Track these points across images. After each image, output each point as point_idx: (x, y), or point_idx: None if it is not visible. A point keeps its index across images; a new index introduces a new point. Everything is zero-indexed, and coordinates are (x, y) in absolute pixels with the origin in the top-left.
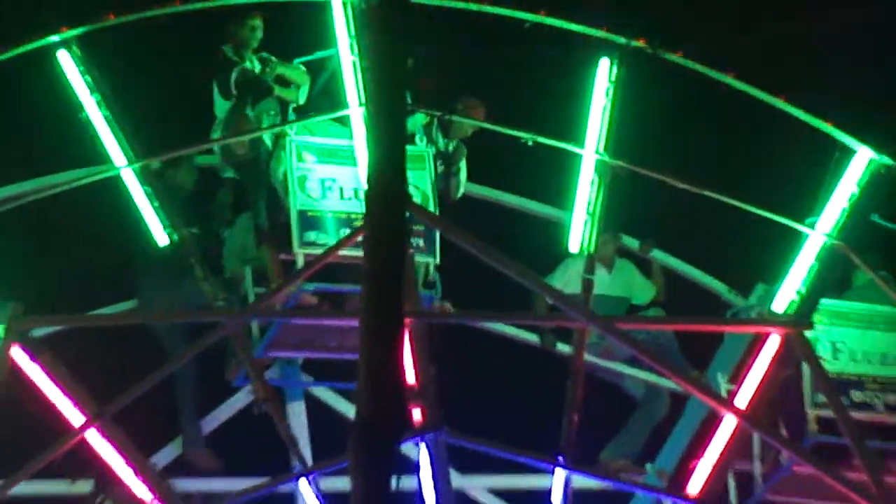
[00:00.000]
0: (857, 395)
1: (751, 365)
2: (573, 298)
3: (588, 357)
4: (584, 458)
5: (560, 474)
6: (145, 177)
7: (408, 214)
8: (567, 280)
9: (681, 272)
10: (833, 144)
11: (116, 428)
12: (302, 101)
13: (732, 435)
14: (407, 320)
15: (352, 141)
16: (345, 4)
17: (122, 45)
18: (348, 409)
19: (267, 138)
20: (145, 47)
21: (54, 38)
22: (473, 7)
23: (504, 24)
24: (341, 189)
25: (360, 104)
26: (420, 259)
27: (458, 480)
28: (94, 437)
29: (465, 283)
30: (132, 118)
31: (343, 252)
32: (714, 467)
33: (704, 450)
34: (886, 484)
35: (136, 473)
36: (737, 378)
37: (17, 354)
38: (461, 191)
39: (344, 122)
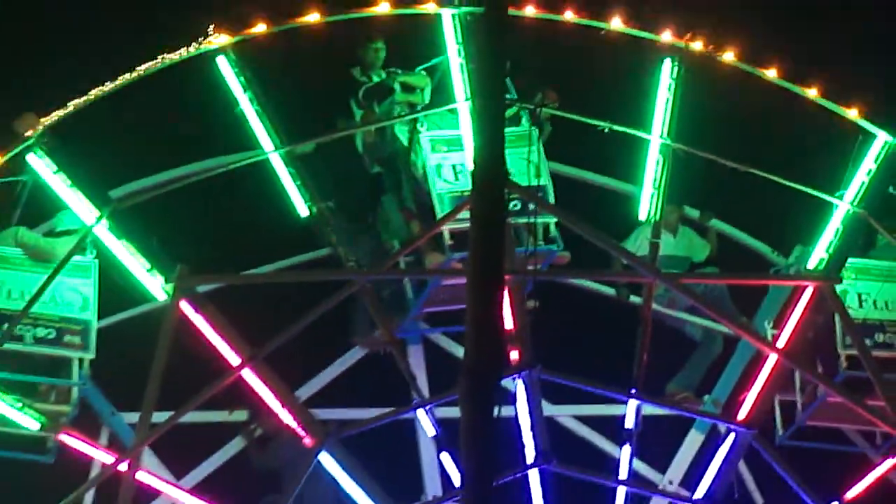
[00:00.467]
0: (879, 337)
1: (790, 313)
2: (643, 259)
3: (655, 307)
4: (652, 390)
5: (633, 404)
6: (290, 160)
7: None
8: (639, 244)
9: (732, 236)
10: (856, 130)
11: (267, 367)
12: (427, 100)
13: (774, 371)
14: (506, 277)
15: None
16: (454, 17)
17: (271, 51)
18: (458, 351)
19: (403, 137)
20: (291, 52)
21: (214, 46)
22: (558, 18)
23: (584, 33)
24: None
25: (467, 98)
26: (542, 220)
27: (548, 409)
28: (248, 375)
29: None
30: (279, 112)
31: None
32: (759, 397)
33: (752, 383)
34: None
35: (283, 405)
36: (779, 324)
37: (185, 307)
38: None
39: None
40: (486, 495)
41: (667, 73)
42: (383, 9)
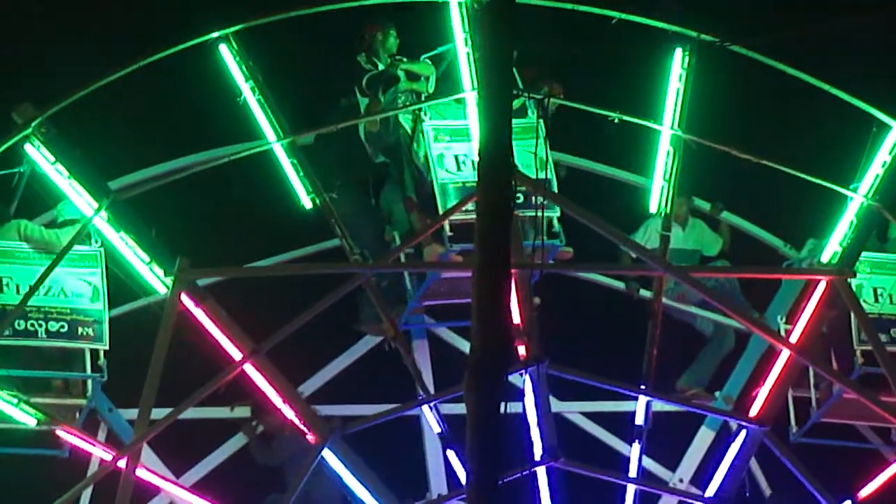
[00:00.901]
0: (895, 332)
1: (803, 307)
2: (653, 252)
3: (665, 301)
4: (662, 386)
5: (642, 400)
6: (293, 150)
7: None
8: (648, 237)
9: (744, 229)
10: (871, 121)
11: (269, 362)
12: (431, 89)
13: (787, 366)
14: (513, 270)
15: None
16: (460, 5)
17: (273, 40)
18: (464, 346)
19: (406, 125)
20: (293, 41)
21: (216, 34)
22: (568, 6)
23: (594, 20)
24: (474, 162)
25: (474, 88)
26: (546, 213)
27: (556, 405)
28: (250, 371)
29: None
30: (282, 101)
31: None
32: (771, 394)
33: (764, 379)
34: None
35: (285, 401)
36: (792, 318)
37: (186, 301)
38: None
39: (463, 103)
40: (492, 493)
41: (678, 62)
42: None
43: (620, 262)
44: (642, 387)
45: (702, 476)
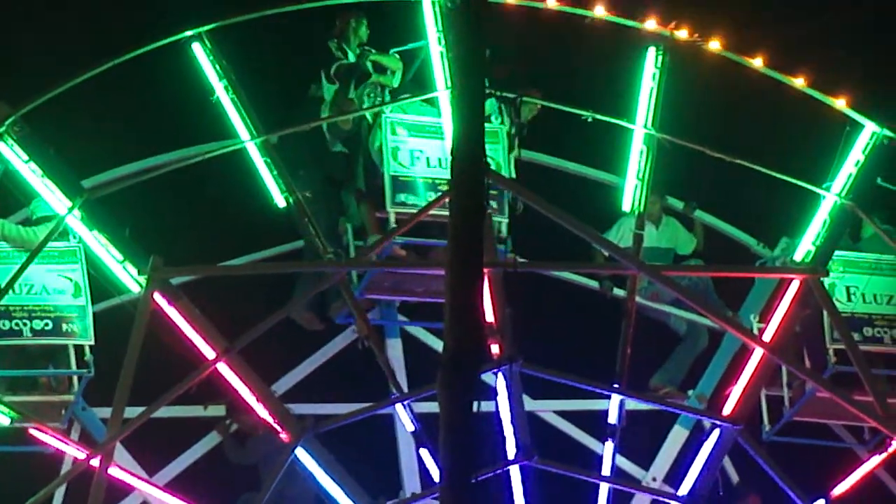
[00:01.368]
0: (867, 331)
1: (776, 306)
2: (627, 251)
3: (639, 299)
4: (636, 385)
5: (616, 398)
6: (266, 149)
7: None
8: (621, 235)
9: (717, 228)
10: (844, 120)
11: (242, 361)
12: (396, 84)
13: (760, 365)
14: (486, 269)
15: (437, 118)
16: (433, 3)
17: (246, 39)
18: (437, 345)
19: (368, 115)
20: (265, 40)
21: (189, 32)
22: (540, 6)
23: (567, 20)
24: (428, 158)
25: (447, 87)
26: (494, 219)
27: (529, 404)
28: (223, 369)
29: (534, 239)
30: (255, 100)
31: (436, 212)
32: (745, 392)
33: (737, 378)
34: (891, 405)
35: (258, 399)
36: (765, 317)
37: (159, 299)
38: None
39: (431, 102)
40: (465, 491)
41: (651, 61)
42: None
43: (594, 260)
44: (616, 385)
45: (675, 475)
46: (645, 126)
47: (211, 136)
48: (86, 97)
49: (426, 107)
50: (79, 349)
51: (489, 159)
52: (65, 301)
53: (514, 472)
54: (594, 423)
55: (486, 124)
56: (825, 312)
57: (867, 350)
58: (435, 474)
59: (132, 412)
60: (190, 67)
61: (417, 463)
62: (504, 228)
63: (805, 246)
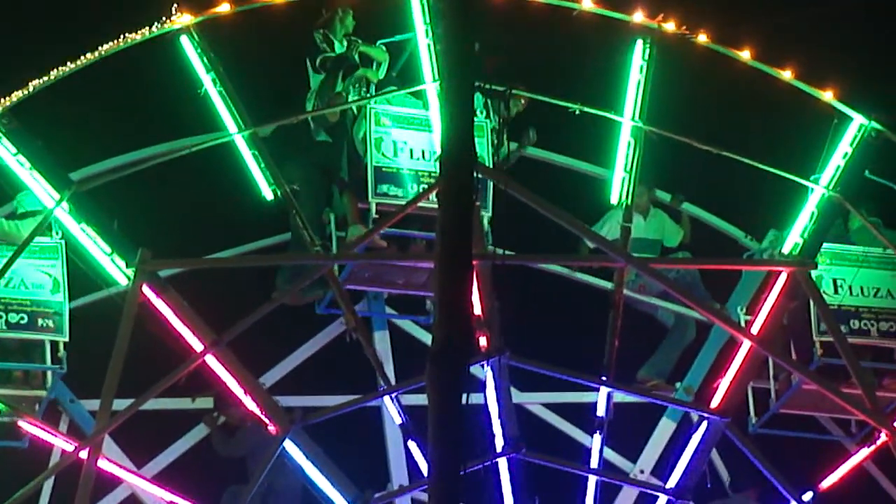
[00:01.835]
0: (854, 323)
1: (764, 299)
2: (614, 243)
3: (626, 292)
4: (623, 378)
5: (603, 391)
6: (254, 142)
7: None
8: (609, 228)
9: (705, 220)
10: (832, 113)
11: (230, 353)
12: (381, 76)
13: (748, 358)
14: (474, 262)
15: (422, 110)
16: None
17: (233, 31)
18: (425, 337)
19: (353, 107)
20: (254, 33)
21: (177, 25)
22: None
23: (554, 11)
24: (411, 150)
25: (434, 80)
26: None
27: (517, 397)
28: (211, 361)
29: (522, 231)
30: (243, 93)
31: (424, 205)
32: (732, 385)
33: (725, 370)
34: (878, 398)
35: (246, 392)
36: (752, 309)
37: (147, 292)
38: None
39: (418, 94)
40: (453, 484)
41: (639, 54)
42: None
43: (580, 253)
44: (603, 378)
45: (663, 467)
46: (632, 118)
47: (199, 129)
48: (74, 90)
49: (412, 99)
50: (55, 345)
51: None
52: (42, 296)
53: (503, 464)
54: (582, 416)
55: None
56: (812, 305)
57: (854, 342)
58: (423, 466)
59: (120, 404)
60: (178, 60)
61: (405, 455)
62: (485, 222)
63: (793, 238)
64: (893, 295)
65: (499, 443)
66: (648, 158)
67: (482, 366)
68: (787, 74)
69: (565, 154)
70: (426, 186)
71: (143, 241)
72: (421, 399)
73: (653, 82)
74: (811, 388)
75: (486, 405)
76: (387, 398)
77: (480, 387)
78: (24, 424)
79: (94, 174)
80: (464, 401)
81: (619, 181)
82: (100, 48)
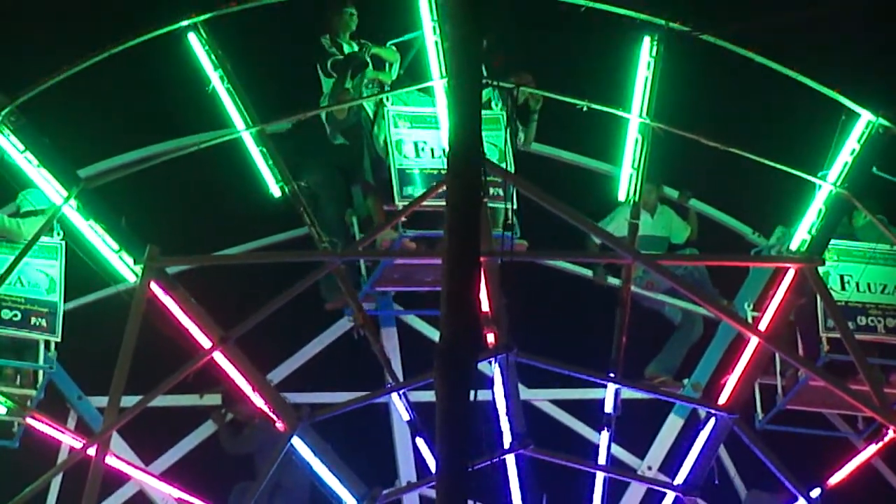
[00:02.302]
0: (861, 320)
1: (772, 295)
2: (622, 240)
3: (634, 288)
4: (631, 374)
5: (611, 387)
6: (261, 139)
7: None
8: (617, 225)
9: (712, 217)
10: (840, 109)
11: (238, 350)
12: (394, 77)
13: (756, 354)
14: (482, 258)
15: (436, 108)
16: None
17: (242, 28)
18: (433, 334)
19: (368, 108)
20: (261, 29)
21: (185, 22)
22: None
23: (563, 8)
24: (432, 150)
25: (442, 77)
26: (500, 205)
27: (525, 393)
28: (219, 358)
29: (530, 228)
30: (251, 90)
31: (435, 202)
32: (740, 381)
33: (733, 367)
34: (885, 394)
35: (254, 389)
36: (760, 306)
37: (155, 289)
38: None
39: (429, 91)
40: (461, 480)
41: (646, 50)
42: None
43: (588, 249)
44: (611, 374)
45: (670, 463)
46: (640, 115)
47: (207, 126)
48: (82, 87)
49: (424, 96)
50: (48, 345)
51: (491, 146)
52: (38, 295)
53: (510, 460)
54: (590, 412)
55: (487, 111)
56: (820, 301)
57: (861, 339)
58: (431, 463)
59: (129, 401)
60: (186, 57)
61: (413, 452)
62: (511, 215)
63: (800, 235)
64: None
65: (506, 439)
66: (656, 155)
67: (490, 362)
68: (795, 71)
69: (573, 150)
70: None
71: (150, 238)
72: (429, 396)
73: (660, 79)
74: (818, 385)
75: (493, 402)
76: (394, 395)
77: (488, 383)
78: (31, 421)
79: (102, 171)
80: (471, 397)
81: (626, 178)
82: (108, 45)
